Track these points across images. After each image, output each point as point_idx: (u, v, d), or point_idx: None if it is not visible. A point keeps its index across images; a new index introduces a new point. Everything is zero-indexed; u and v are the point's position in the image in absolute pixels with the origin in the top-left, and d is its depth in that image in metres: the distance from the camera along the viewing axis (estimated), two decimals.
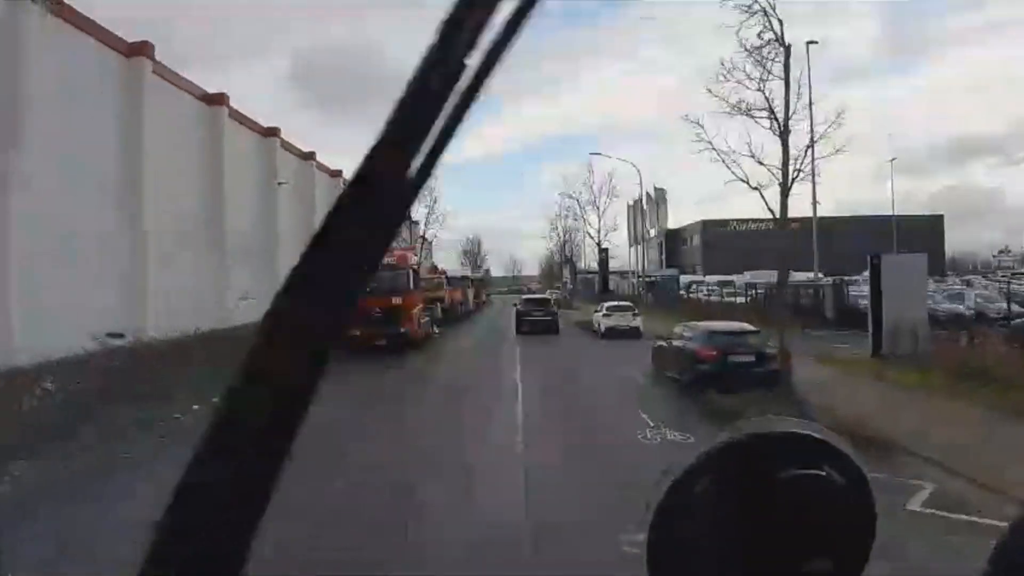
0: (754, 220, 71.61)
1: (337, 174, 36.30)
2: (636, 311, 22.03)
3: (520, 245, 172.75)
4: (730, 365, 10.71)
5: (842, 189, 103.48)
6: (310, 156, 32.01)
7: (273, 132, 27.71)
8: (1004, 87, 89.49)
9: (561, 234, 58.19)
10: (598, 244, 37.01)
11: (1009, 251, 69.30)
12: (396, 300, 18.66)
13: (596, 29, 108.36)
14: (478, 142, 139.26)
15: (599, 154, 32.85)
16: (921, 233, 56.95)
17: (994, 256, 70.19)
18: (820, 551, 0.67)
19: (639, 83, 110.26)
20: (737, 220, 71.71)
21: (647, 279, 36.92)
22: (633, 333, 21.48)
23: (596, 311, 23.68)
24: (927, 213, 65.36)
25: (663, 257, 63.87)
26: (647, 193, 45.19)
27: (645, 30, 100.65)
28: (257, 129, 27.03)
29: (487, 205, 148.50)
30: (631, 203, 48.48)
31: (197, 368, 14.67)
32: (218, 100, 23.59)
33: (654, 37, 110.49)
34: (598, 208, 37.63)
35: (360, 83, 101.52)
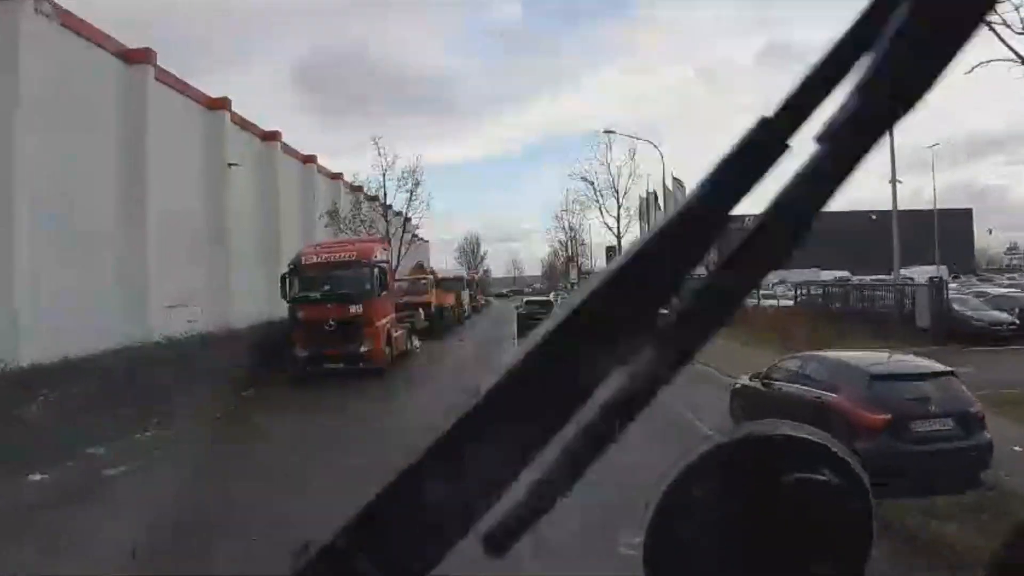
0: None
1: (310, 160, 31.50)
2: None
3: (521, 246, 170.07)
4: (916, 440, 5.73)
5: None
6: (273, 136, 27.17)
7: (221, 104, 22.91)
8: (1007, 86, 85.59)
9: (567, 229, 53.22)
10: (617, 236, 31.29)
11: (1017, 248, 67.86)
12: (355, 309, 13.88)
13: (596, 29, 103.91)
14: (478, 142, 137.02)
15: (613, 132, 27.53)
16: (950, 228, 52.98)
17: (1005, 253, 68.78)
18: (819, 555, 0.66)
19: (639, 83, 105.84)
20: (752, 216, 66.85)
21: None
22: None
23: None
24: (958, 207, 60.88)
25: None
26: (664, 184, 40.29)
27: (645, 30, 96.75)
28: (200, 99, 22.23)
29: (487, 205, 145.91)
30: (643, 196, 43.61)
31: (70, 411, 10.15)
32: (141, 57, 18.84)
33: (654, 37, 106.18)
34: (617, 192, 30.77)
35: (350, 75, 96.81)
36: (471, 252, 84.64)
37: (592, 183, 31.27)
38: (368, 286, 14.03)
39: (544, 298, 35.26)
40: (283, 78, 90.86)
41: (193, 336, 18.06)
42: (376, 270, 14.21)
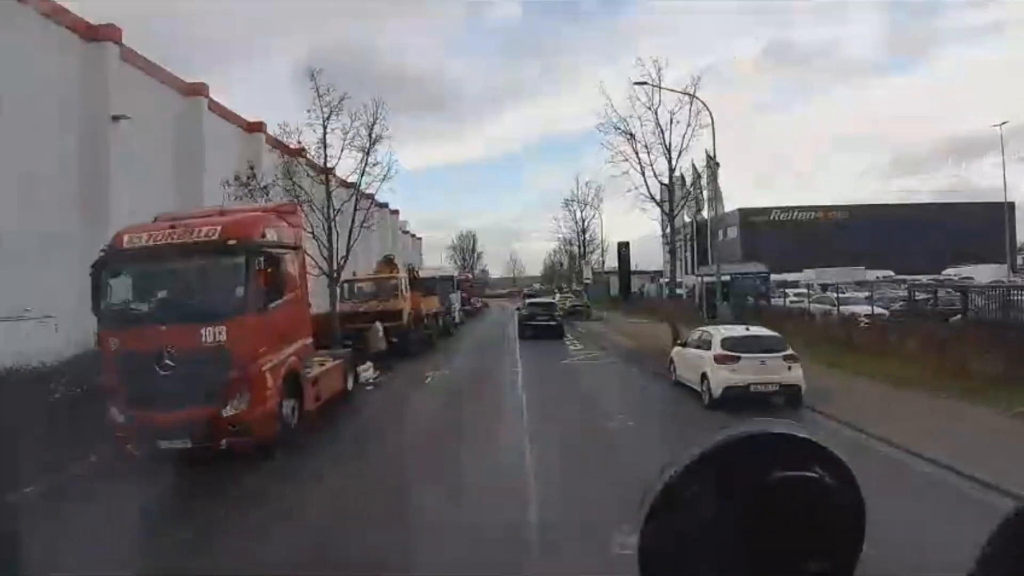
0: (800, 208, 60.81)
1: (257, 128, 24.88)
2: (791, 352, 10.16)
3: (521, 246, 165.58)
4: None
5: (840, 185, 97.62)
6: (198, 90, 20.57)
7: (105, 35, 16.34)
8: (1003, 86, 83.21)
9: (578, 220, 46.51)
10: (670, 214, 23.03)
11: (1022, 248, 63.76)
12: (212, 332, 7.23)
13: (596, 29, 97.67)
14: (478, 142, 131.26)
15: (646, 83, 20.27)
16: (992, 222, 47.21)
17: (1018, 251, 64.17)
18: (812, 552, 0.65)
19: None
20: (780, 208, 60.91)
21: (722, 278, 24.52)
22: (788, 400, 9.95)
23: (691, 343, 11.26)
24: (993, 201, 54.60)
25: (687, 254, 53.91)
26: (693, 166, 33.75)
27: (645, 30, 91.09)
28: (73, 26, 15.66)
29: (487, 205, 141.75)
30: (665, 181, 36.98)
31: None
32: None
33: (654, 36, 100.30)
34: (668, 150, 20.45)
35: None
36: (467, 250, 78.30)
37: (632, 135, 21.13)
38: (241, 290, 7.26)
39: (547, 300, 29.69)
40: (280, 78, 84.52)
41: (33, 367, 11.65)
42: (261, 260, 7.47)
